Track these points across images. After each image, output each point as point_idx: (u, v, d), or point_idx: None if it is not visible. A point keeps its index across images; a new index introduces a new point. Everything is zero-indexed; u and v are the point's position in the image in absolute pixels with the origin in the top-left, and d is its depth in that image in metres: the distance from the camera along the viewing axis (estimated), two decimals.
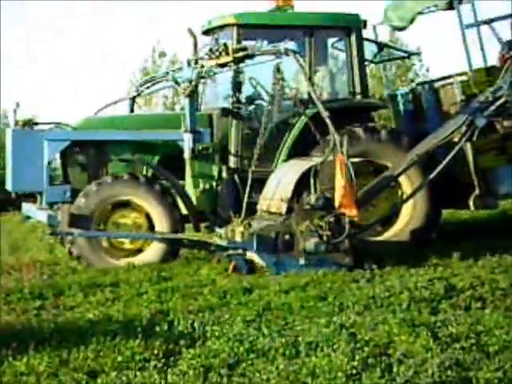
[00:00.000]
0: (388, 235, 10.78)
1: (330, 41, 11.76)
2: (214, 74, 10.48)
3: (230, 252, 9.63)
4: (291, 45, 10.18)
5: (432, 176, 10.11)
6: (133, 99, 12.49)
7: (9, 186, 11.01)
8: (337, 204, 9.23)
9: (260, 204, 10.26)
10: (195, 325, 6.88)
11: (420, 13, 11.51)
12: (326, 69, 11.57)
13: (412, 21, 11.54)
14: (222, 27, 11.25)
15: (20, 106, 10.99)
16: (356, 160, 9.99)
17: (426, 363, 5.61)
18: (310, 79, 10.04)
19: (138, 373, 5.52)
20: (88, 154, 11.13)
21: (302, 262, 9.18)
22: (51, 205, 10.79)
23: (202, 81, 10.55)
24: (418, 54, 12.81)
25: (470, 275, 8.74)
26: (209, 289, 8.54)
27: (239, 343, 6.21)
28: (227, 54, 9.88)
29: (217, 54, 9.96)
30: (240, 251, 9.52)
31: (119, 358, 5.84)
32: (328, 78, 11.55)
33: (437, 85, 11.61)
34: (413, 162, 10.11)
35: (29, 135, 10.87)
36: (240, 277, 9.16)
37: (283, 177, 10.20)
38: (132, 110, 12.53)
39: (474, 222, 13.84)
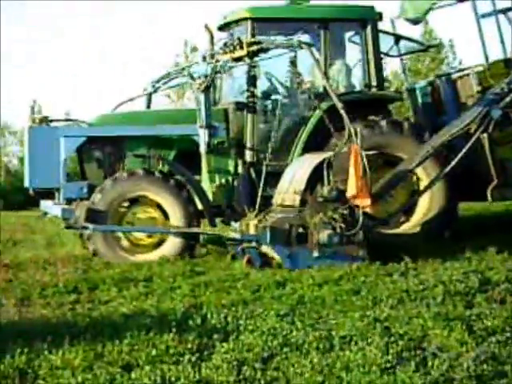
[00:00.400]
0: (404, 227, 10.68)
1: (346, 33, 11.69)
2: (230, 68, 10.46)
3: (244, 245, 9.64)
4: (305, 38, 10.11)
5: (448, 168, 10.06)
6: (149, 95, 12.48)
7: (26, 183, 11.10)
8: (349, 194, 9.22)
9: (275, 198, 10.25)
10: (229, 319, 6.88)
11: (434, 3, 11.40)
12: (342, 61, 11.48)
13: (427, 13, 11.43)
14: (236, 22, 11.25)
15: (37, 103, 11.10)
16: (369, 153, 9.92)
17: (461, 357, 5.56)
18: (324, 73, 9.99)
19: (172, 367, 5.53)
20: (104, 150, 11.20)
21: (315, 254, 9.17)
22: (69, 201, 10.83)
23: (218, 75, 10.52)
24: (437, 45, 12.62)
25: (505, 268, 8.68)
26: (242, 283, 8.55)
27: (273, 337, 6.21)
28: (241, 48, 9.87)
29: (231, 48, 9.96)
30: (254, 244, 9.52)
31: (153, 352, 5.86)
32: (344, 70, 11.45)
33: (454, 76, 11.50)
34: (428, 154, 10.08)
35: (45, 132, 10.98)
36: (273, 271, 9.16)
37: (297, 170, 10.18)
38: (149, 106, 12.53)
39: (508, 215, 13.72)
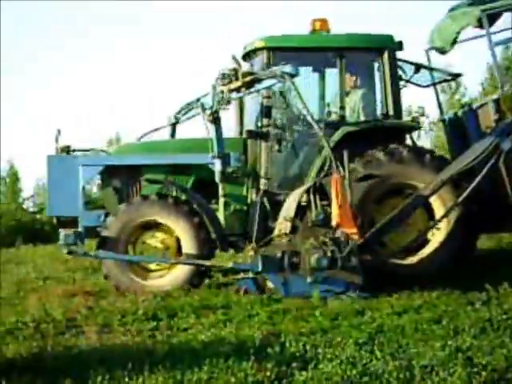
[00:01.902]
0: (418, 258, 10.43)
1: (363, 62, 11.53)
2: (229, 99, 10.43)
3: (241, 275, 9.62)
4: (288, 67, 10.01)
5: (461, 198, 9.87)
6: (173, 125, 12.55)
7: (47, 211, 11.29)
8: (334, 224, 9.18)
9: (276, 227, 10.19)
10: (307, 347, 6.84)
11: (458, 33, 11.26)
12: (359, 90, 11.36)
13: (453, 43, 11.32)
14: (254, 52, 11.24)
15: (61, 133, 11.22)
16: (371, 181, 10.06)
17: None
18: (304, 102, 9.88)
19: None
20: (121, 179, 11.29)
21: (309, 280, 9.07)
22: (88, 229, 10.93)
23: (223, 107, 10.51)
24: (460, 75, 12.30)
25: None
26: (320, 311, 8.50)
27: (352, 366, 6.15)
28: (237, 79, 9.91)
29: (228, 79, 9.98)
30: (250, 274, 9.47)
31: (232, 380, 5.86)
32: (361, 99, 11.34)
33: (475, 106, 11.32)
34: (438, 186, 9.91)
35: (64, 161, 11.08)
36: (352, 299, 9.08)
37: (290, 197, 10.16)
38: (173, 136, 12.61)
39: None
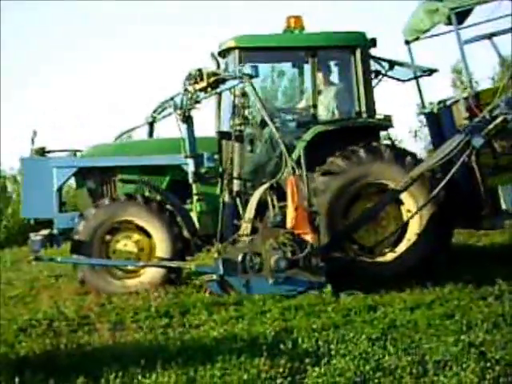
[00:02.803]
0: (391, 256, 10.38)
1: (335, 61, 11.40)
2: (204, 99, 10.37)
3: (205, 277, 9.58)
4: (247, 68, 9.95)
5: (432, 195, 9.84)
6: (151, 125, 12.46)
7: (22, 213, 11.31)
8: (289, 226, 9.12)
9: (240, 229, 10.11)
10: (320, 343, 6.85)
11: (428, 30, 11.24)
12: (331, 89, 11.26)
13: (417, 37, 11.39)
14: (227, 51, 11.15)
15: (37, 134, 11.18)
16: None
17: None
18: (262, 104, 9.81)
19: None
20: (95, 181, 11.23)
21: (270, 281, 9.04)
22: (63, 231, 10.87)
23: (194, 106, 10.45)
24: (436, 71, 12.16)
25: None
26: (332, 307, 8.49)
27: (365, 361, 6.15)
28: (202, 79, 9.91)
29: (194, 79, 9.98)
30: (214, 276, 9.40)
31: (245, 376, 5.87)
32: (335, 97, 11.24)
33: (449, 103, 11.26)
34: (408, 184, 9.88)
35: (38, 163, 11.02)
36: (364, 295, 9.08)
37: (252, 198, 10.08)
38: (151, 136, 12.52)
39: None
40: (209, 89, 10.17)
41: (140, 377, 5.95)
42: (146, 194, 10.95)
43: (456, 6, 10.50)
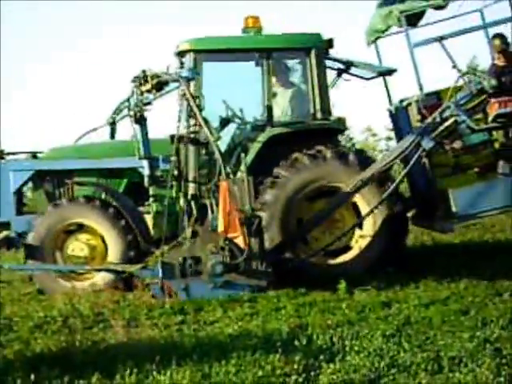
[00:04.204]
0: (346, 257, 10.28)
1: (290, 62, 11.30)
2: (152, 100, 10.33)
3: (148, 280, 9.55)
4: (185, 72, 9.91)
5: (384, 197, 9.82)
6: (112, 126, 12.37)
7: None
8: (220, 229, 9.06)
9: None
10: (334, 339, 6.84)
11: (383, 32, 11.21)
12: (286, 91, 11.12)
13: (376, 39, 11.40)
14: (183, 53, 11.01)
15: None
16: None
17: None
18: (198, 107, 9.72)
19: None
20: (53, 183, 11.20)
21: (209, 286, 9.02)
22: (20, 234, 10.80)
23: (145, 108, 10.40)
24: (395, 70, 12.01)
25: None
26: (347, 303, 8.49)
27: (379, 358, 6.14)
28: (146, 81, 9.91)
29: (140, 81, 9.98)
30: (156, 280, 9.35)
31: (260, 373, 5.87)
32: (290, 99, 11.09)
33: (405, 103, 11.21)
34: (359, 186, 9.86)
35: None
36: (378, 291, 9.06)
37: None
38: (113, 137, 12.44)
39: None
40: (153, 91, 10.15)
41: (155, 373, 5.95)
42: (103, 197, 10.95)
43: (406, 9, 10.68)
